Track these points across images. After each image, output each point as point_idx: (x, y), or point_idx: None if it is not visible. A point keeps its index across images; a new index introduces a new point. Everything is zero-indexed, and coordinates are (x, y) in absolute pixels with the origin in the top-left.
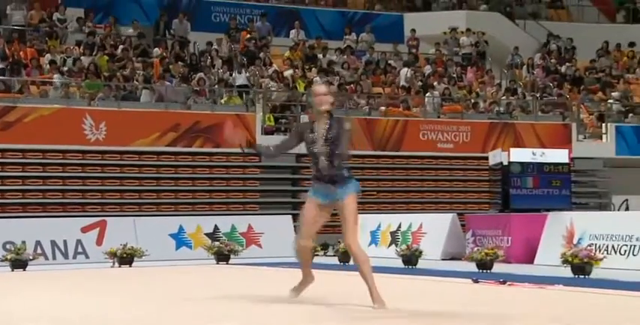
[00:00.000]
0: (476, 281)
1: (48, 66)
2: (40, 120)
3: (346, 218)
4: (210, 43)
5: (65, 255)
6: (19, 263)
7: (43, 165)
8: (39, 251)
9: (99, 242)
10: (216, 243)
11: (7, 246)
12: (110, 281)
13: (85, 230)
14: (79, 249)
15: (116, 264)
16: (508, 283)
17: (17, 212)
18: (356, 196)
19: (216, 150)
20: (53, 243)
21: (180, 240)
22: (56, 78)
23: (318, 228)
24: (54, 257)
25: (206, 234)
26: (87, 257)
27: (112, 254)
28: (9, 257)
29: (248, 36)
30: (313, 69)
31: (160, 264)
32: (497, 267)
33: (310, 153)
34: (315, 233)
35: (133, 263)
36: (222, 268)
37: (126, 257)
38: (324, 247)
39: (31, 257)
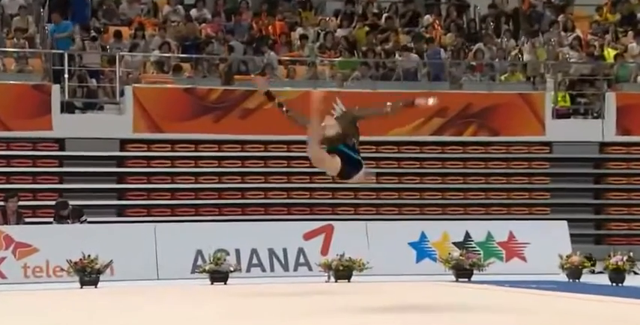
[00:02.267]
0: None
1: (298, 42)
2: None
3: None
4: (494, 6)
5: (285, 267)
6: (218, 276)
7: (287, 158)
8: (255, 261)
9: (324, 251)
10: (455, 255)
11: (219, 255)
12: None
13: (307, 236)
14: (301, 260)
15: (332, 279)
16: None
17: (260, 214)
18: None
19: (493, 138)
20: (271, 252)
21: (421, 250)
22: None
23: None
24: (272, 269)
25: (454, 244)
26: (310, 269)
27: (327, 267)
28: (207, 268)
29: None
30: (630, 32)
31: (386, 279)
32: None
33: None
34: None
35: (352, 278)
36: (452, 287)
37: (343, 271)
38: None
39: (232, 269)
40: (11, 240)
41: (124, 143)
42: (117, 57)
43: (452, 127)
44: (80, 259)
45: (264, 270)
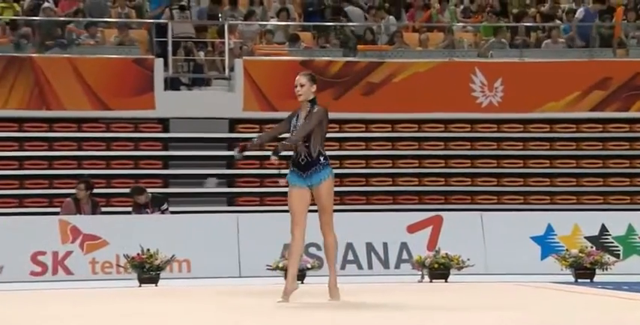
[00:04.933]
0: None
1: (437, 4)
2: (413, 79)
3: (321, 206)
4: None
5: (385, 264)
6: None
7: (418, 140)
8: (350, 257)
9: (430, 246)
10: (573, 252)
11: (310, 250)
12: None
13: (412, 229)
14: (404, 256)
15: (426, 278)
16: None
17: (361, 203)
18: (332, 183)
19: None
20: (369, 247)
21: (547, 245)
22: None
23: (305, 214)
24: (370, 266)
25: (587, 238)
26: (413, 266)
27: (420, 264)
28: (280, 264)
29: None
30: None
31: (499, 279)
32: None
33: None
34: (305, 221)
35: (456, 277)
36: (546, 290)
37: (437, 269)
38: None
39: (308, 266)
40: (78, 232)
41: (233, 123)
42: (226, 26)
43: (616, 102)
44: (138, 254)
45: (360, 267)
